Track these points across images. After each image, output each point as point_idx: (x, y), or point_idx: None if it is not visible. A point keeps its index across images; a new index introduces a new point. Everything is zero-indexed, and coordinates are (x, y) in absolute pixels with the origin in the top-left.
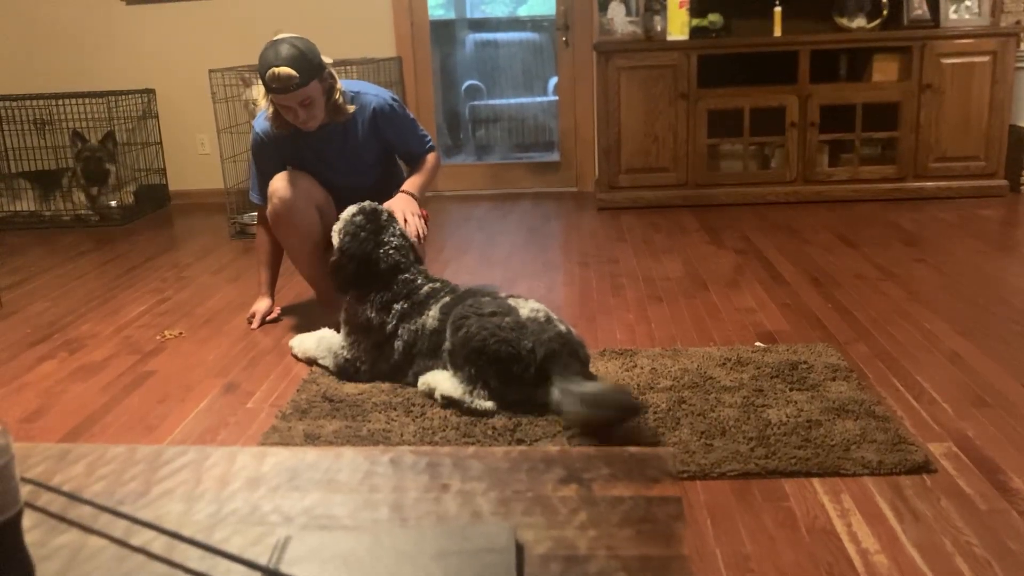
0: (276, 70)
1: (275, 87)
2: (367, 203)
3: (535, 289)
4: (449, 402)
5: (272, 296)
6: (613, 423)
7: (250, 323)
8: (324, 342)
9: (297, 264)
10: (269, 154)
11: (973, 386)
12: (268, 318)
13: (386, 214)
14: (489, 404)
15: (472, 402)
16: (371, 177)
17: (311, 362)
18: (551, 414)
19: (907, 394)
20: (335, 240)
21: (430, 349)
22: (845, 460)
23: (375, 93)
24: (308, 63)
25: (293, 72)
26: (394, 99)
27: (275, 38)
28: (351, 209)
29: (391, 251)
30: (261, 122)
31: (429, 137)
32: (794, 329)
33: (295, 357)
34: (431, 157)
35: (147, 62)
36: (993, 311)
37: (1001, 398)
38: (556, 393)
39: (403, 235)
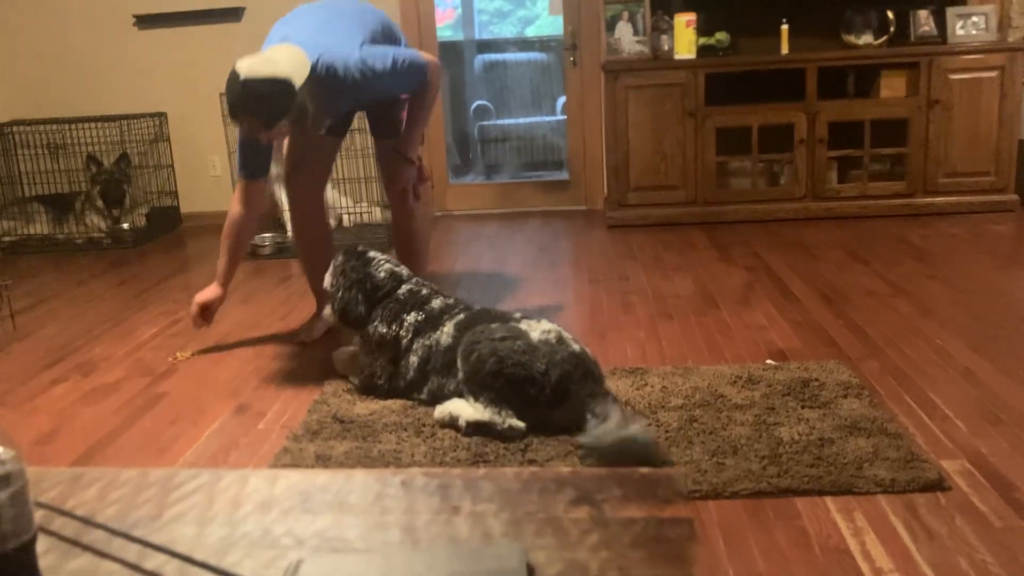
0: (239, 118)
1: (241, 126)
2: (347, 247)
3: (546, 308)
4: (477, 428)
5: (226, 288)
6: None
7: (203, 320)
8: (355, 360)
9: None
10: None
11: (986, 402)
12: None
13: (368, 251)
14: (521, 424)
15: (504, 423)
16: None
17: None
18: (564, 434)
19: (920, 411)
20: (328, 285)
21: (444, 366)
22: (858, 478)
23: (343, 67)
24: (270, 107)
25: (255, 120)
26: (361, 68)
27: (242, 71)
28: (337, 257)
29: (383, 262)
30: None
31: (409, 61)
32: (805, 346)
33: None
34: (421, 91)
35: (159, 86)
36: (1005, 327)
37: (1015, 414)
38: (585, 438)
39: (388, 259)
